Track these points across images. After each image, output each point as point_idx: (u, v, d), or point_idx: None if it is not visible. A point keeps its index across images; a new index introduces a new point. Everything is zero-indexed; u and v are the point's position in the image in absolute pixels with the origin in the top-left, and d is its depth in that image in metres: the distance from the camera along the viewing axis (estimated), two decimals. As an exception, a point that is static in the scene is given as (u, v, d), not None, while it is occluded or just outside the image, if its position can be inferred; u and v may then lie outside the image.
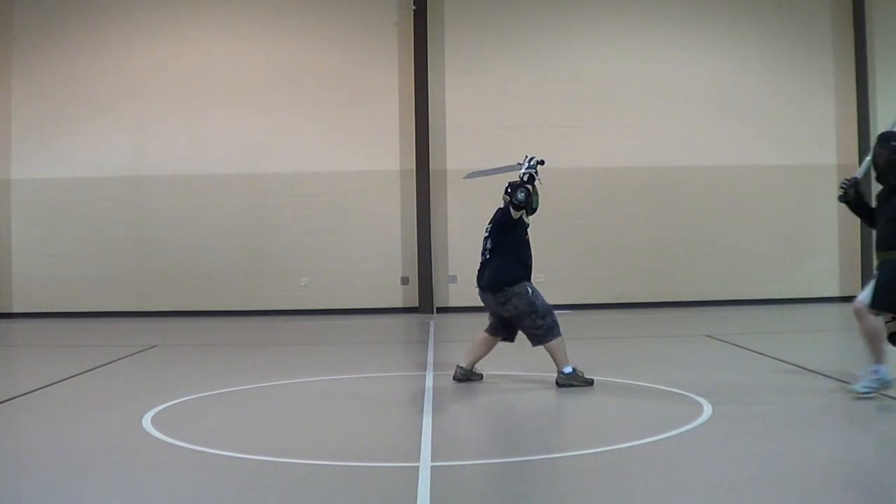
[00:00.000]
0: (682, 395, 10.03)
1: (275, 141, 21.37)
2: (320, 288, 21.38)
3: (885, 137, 9.60)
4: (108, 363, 13.55)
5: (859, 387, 9.54)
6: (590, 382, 10.54)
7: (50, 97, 21.51)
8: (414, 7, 21.23)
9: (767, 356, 13.06)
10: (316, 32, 21.71)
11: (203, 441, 8.05)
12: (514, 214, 10.53)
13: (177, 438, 8.19)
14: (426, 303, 21.23)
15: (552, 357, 10.60)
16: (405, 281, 21.42)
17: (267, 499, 6.53)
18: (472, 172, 12.55)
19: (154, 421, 8.97)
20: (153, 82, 21.45)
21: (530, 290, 10.58)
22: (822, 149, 21.87)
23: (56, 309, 21.24)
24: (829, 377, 11.02)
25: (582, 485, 6.81)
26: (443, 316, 20.81)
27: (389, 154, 21.44)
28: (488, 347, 11.07)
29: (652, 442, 7.91)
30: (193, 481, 7.01)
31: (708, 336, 15.86)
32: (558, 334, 10.57)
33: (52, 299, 21.39)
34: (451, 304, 21.36)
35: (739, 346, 14.27)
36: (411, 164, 21.29)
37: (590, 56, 21.74)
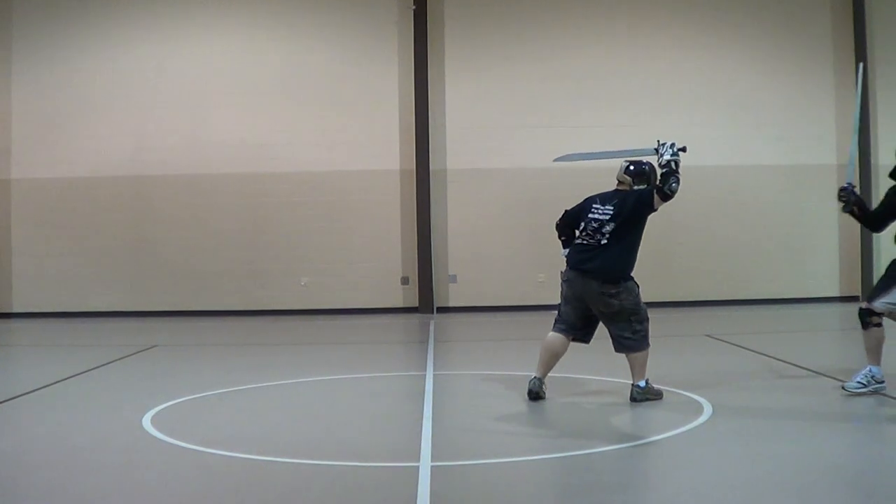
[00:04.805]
0: (682, 394, 10.04)
1: (275, 140, 21.35)
2: (320, 288, 21.38)
3: None
4: (108, 363, 13.55)
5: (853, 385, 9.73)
6: (660, 395, 9.87)
7: (50, 97, 21.51)
8: (414, 6, 21.22)
9: (767, 356, 13.07)
10: (315, 32, 21.71)
11: (203, 441, 8.06)
12: (658, 204, 9.51)
13: (177, 438, 8.20)
14: (426, 303, 21.23)
15: (633, 367, 9.73)
16: (405, 281, 21.42)
17: (266, 499, 6.52)
18: (568, 155, 11.48)
19: (154, 421, 8.98)
20: (153, 82, 21.44)
21: (639, 290, 9.85)
22: (823, 148, 21.86)
23: (56, 309, 21.24)
24: (829, 377, 11.03)
25: (583, 485, 6.81)
26: (443, 316, 20.81)
27: (389, 154, 21.43)
28: (564, 348, 9.92)
29: (652, 442, 7.93)
30: (193, 481, 7.02)
31: (708, 336, 15.88)
32: (648, 344, 9.77)
33: (52, 299, 21.39)
34: (452, 304, 21.37)
35: (739, 346, 14.28)
36: (411, 164, 21.29)
37: (590, 55, 21.73)
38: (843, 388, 9.74)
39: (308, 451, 7.82)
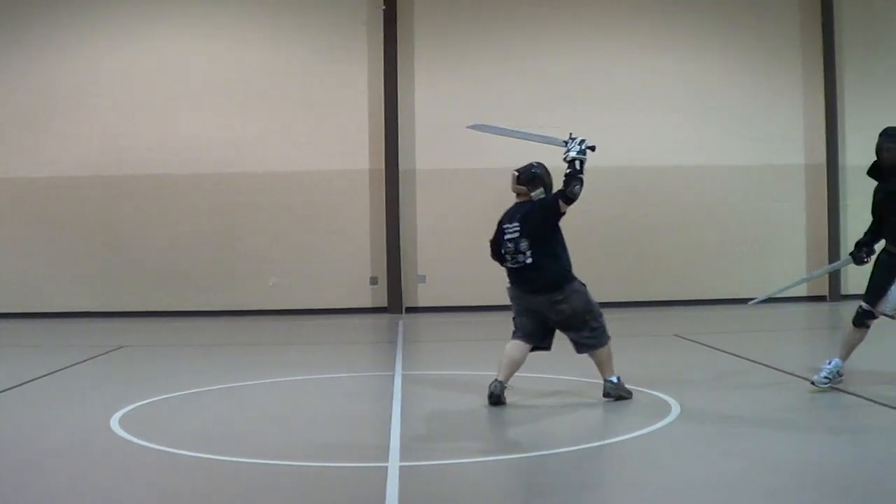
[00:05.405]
0: (651, 394, 10.06)
1: (244, 140, 21.24)
2: (289, 288, 21.28)
3: (893, 133, 9.61)
4: (76, 364, 13.46)
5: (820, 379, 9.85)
6: (630, 394, 9.83)
7: (18, 96, 21.31)
8: (383, 7, 21.18)
9: (735, 355, 13.13)
10: (285, 31, 21.64)
11: (171, 442, 8.02)
12: (564, 208, 9.45)
13: (144, 439, 8.16)
14: (395, 303, 21.18)
15: (599, 364, 9.72)
16: (374, 281, 21.39)
17: (234, 500, 6.52)
18: (482, 125, 11.34)
19: (122, 422, 8.93)
20: (122, 81, 21.27)
21: (586, 287, 9.72)
22: (790, 149, 21.96)
23: (24, 309, 21.04)
24: (797, 376, 11.08)
25: (551, 484, 6.82)
26: (412, 316, 20.79)
27: (359, 154, 21.38)
28: (524, 356, 9.75)
29: (620, 441, 7.95)
30: (160, 482, 6.99)
31: (676, 335, 15.93)
32: (609, 337, 9.75)
33: (20, 299, 21.18)
34: (420, 304, 21.34)
35: (708, 346, 14.34)
36: (381, 164, 21.24)
37: (559, 56, 21.75)
38: (812, 383, 9.80)
39: (276, 451, 7.80)
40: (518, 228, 9.63)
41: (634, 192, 21.59)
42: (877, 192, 9.89)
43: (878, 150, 9.66)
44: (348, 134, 21.36)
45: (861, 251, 9.96)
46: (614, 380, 9.72)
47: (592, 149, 9.48)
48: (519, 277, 9.75)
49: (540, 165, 9.90)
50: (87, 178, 21.16)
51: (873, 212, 9.98)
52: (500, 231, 9.91)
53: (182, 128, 21.24)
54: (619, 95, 21.60)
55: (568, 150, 9.42)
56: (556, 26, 21.84)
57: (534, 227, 9.56)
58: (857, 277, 21.03)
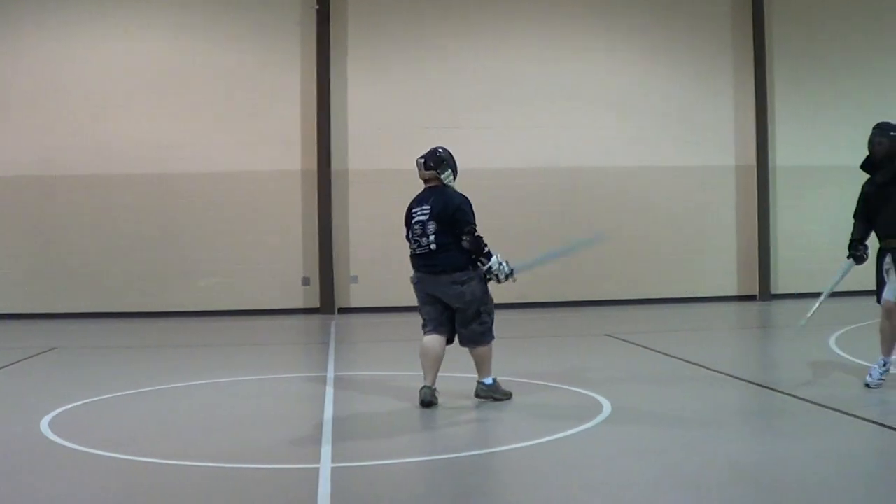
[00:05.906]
0: (582, 393, 10.10)
1: (176, 141, 20.98)
2: (221, 289, 21.10)
3: (885, 128, 9.81)
4: (6, 366, 13.26)
5: (874, 380, 9.84)
6: (509, 395, 9.88)
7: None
8: (317, 6, 21.09)
9: (666, 354, 13.22)
10: (218, 30, 21.44)
11: (101, 444, 7.93)
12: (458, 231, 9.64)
13: (75, 442, 8.06)
14: (327, 303, 21.10)
15: (478, 363, 9.85)
16: (306, 282, 21.29)
17: (163, 502, 6.46)
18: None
19: (52, 424, 8.83)
20: (53, 81, 20.93)
21: (485, 281, 9.81)
22: (721, 150, 22.15)
23: (-50, 311, 20.78)
24: (727, 374, 11.19)
25: (482, 484, 6.84)
26: (344, 316, 20.73)
27: (291, 154, 21.25)
28: (443, 348, 9.79)
29: (552, 440, 7.96)
30: (88, 485, 6.90)
31: (608, 335, 16.00)
32: (493, 337, 9.80)
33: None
34: (353, 304, 21.25)
35: (639, 345, 14.42)
36: (313, 165, 21.14)
37: (494, 57, 21.74)
38: (866, 385, 9.84)
39: (206, 453, 7.74)
40: (428, 211, 9.74)
41: (565, 193, 21.65)
42: (866, 184, 10.05)
43: (871, 144, 9.85)
44: (281, 134, 21.22)
45: (859, 249, 10.08)
46: (488, 381, 9.82)
47: (499, 281, 9.78)
48: (423, 262, 9.81)
49: (443, 150, 10.08)
50: (18, 178, 20.82)
51: (858, 207, 10.12)
52: (409, 215, 10.00)
53: (114, 128, 20.95)
54: (552, 96, 21.66)
55: (500, 265, 9.74)
56: (490, 27, 21.86)
57: (444, 214, 9.66)
58: (785, 277, 21.48)
